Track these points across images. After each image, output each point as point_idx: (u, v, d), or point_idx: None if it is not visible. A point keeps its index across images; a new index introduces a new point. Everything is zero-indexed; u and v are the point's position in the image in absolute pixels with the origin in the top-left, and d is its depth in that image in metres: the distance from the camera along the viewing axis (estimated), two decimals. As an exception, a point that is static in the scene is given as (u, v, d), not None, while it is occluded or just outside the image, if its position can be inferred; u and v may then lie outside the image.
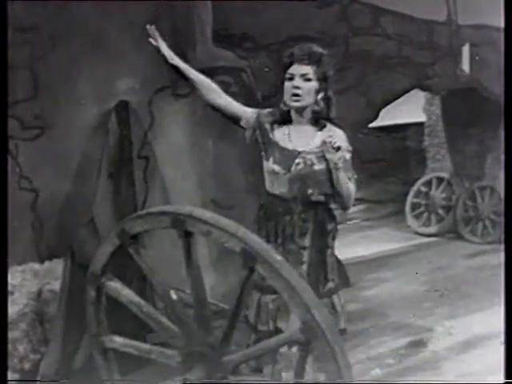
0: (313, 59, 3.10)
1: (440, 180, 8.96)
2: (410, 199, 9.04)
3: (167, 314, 2.68)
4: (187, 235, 2.51)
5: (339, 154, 3.03)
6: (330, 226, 3.21)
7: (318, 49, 3.15)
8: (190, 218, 2.47)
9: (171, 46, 3.33)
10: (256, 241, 2.42)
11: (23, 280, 4.31)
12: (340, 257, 3.32)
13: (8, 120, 3.40)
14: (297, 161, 3.14)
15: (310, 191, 3.14)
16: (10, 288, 4.22)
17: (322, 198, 3.15)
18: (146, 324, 2.77)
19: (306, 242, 3.16)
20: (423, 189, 9.03)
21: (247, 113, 3.28)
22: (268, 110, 3.29)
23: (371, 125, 7.08)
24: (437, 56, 6.91)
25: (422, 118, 9.64)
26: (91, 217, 4.33)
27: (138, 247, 2.67)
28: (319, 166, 3.12)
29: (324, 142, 3.07)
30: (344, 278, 3.36)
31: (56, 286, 4.24)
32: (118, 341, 2.85)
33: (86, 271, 2.85)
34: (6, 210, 3.18)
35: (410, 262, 7.32)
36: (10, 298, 4.20)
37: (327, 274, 3.22)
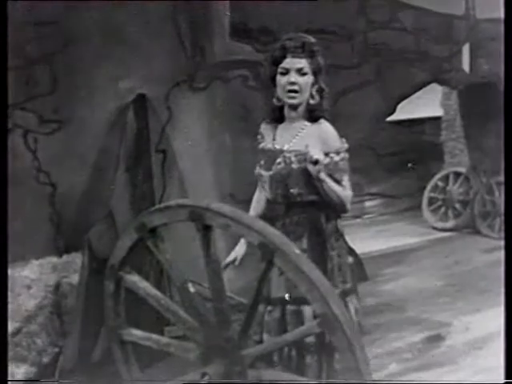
0: (307, 51, 2.96)
1: (457, 175, 8.91)
2: (426, 194, 9.01)
3: (185, 308, 2.69)
4: (206, 229, 2.51)
5: (318, 167, 2.86)
6: (329, 227, 3.05)
7: (309, 39, 3.00)
8: (208, 211, 2.48)
9: (189, 40, 3.32)
10: (274, 234, 2.43)
11: (41, 274, 4.32)
12: (356, 251, 3.26)
13: (8, 119, 3.40)
14: (278, 160, 3.01)
15: (292, 191, 2.98)
16: (28, 282, 4.25)
17: (311, 198, 2.99)
18: (163, 317, 2.78)
19: (304, 245, 3.00)
20: (440, 183, 8.99)
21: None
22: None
23: (388, 119, 7.05)
24: (454, 50, 6.88)
25: (439, 112, 9.60)
26: (109, 211, 4.34)
27: (157, 241, 2.67)
28: (297, 165, 2.97)
29: (307, 150, 2.89)
30: (361, 273, 3.31)
31: (74, 279, 4.25)
32: (137, 334, 2.87)
33: (104, 265, 2.87)
34: (6, 208, 3.18)
35: (427, 257, 7.30)
36: (28, 292, 4.23)
37: (334, 278, 3.02)
